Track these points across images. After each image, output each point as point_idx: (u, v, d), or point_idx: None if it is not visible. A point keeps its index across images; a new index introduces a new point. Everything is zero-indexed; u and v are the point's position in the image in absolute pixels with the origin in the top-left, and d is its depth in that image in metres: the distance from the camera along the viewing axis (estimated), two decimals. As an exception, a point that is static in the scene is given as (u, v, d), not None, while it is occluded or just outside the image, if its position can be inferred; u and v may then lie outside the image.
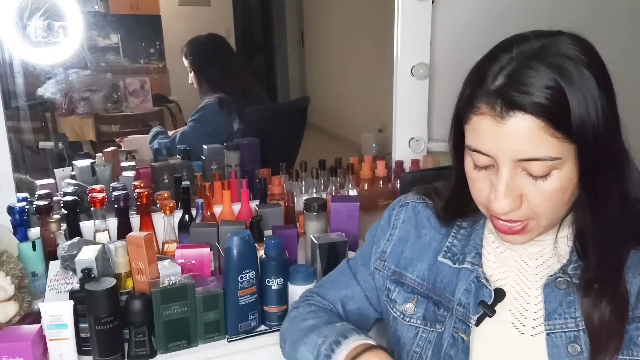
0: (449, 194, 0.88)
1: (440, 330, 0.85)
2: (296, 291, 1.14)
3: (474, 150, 0.72)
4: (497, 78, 0.68)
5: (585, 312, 0.75)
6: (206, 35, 1.95)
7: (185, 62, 1.88)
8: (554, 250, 0.80)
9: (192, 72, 1.88)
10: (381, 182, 1.57)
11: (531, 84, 0.65)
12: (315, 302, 0.99)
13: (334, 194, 1.56)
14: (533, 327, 0.78)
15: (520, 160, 0.68)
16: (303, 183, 1.62)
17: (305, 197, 1.52)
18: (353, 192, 1.58)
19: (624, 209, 0.73)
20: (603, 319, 0.73)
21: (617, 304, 0.73)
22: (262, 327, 1.16)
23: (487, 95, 0.68)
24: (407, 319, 0.88)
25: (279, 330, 1.14)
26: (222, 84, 1.91)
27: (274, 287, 1.13)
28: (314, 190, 1.60)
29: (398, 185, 1.52)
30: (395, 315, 0.90)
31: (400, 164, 1.65)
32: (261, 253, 1.15)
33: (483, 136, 0.70)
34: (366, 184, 1.57)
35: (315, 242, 1.18)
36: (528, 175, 0.70)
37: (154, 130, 1.82)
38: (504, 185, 0.70)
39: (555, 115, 0.65)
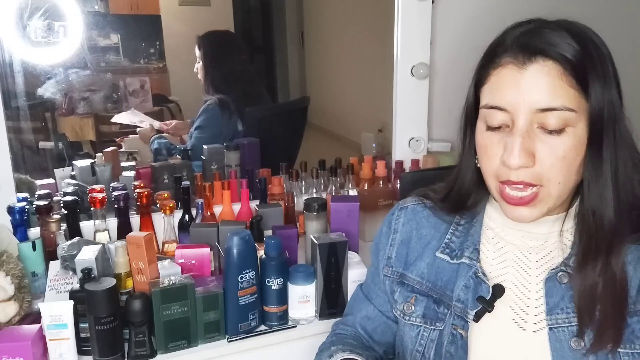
0: (451, 181, 0.89)
1: (441, 328, 0.85)
2: (296, 291, 1.14)
3: (491, 107, 0.74)
4: (519, 36, 0.73)
5: (578, 294, 0.75)
6: (223, 31, 1.97)
7: (197, 53, 1.88)
8: (556, 243, 0.80)
9: (201, 63, 1.88)
10: (381, 182, 1.57)
11: (552, 38, 0.71)
12: (339, 330, 1.02)
13: (334, 194, 1.56)
14: (535, 323, 0.78)
15: (538, 110, 0.70)
16: (303, 183, 1.62)
17: (305, 197, 1.52)
18: (353, 192, 1.58)
19: (624, 187, 0.74)
20: (596, 298, 0.73)
21: (612, 288, 0.73)
22: (262, 327, 1.16)
23: (508, 48, 0.73)
24: (407, 318, 0.88)
25: (279, 330, 1.15)
26: (228, 82, 1.91)
27: (274, 287, 1.13)
28: (314, 190, 1.60)
29: (398, 185, 1.52)
30: (397, 314, 0.90)
31: (400, 164, 1.65)
32: (261, 253, 1.15)
33: (503, 87, 0.73)
34: (366, 184, 1.57)
35: (315, 242, 1.18)
36: (543, 132, 0.72)
37: (153, 137, 1.83)
38: (520, 137, 0.71)
39: (573, 66, 0.70)
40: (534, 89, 0.70)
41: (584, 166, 0.74)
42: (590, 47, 0.72)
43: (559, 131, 0.71)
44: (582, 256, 0.75)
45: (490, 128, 0.76)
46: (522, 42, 0.72)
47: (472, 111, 0.82)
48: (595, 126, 0.72)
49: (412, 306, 0.88)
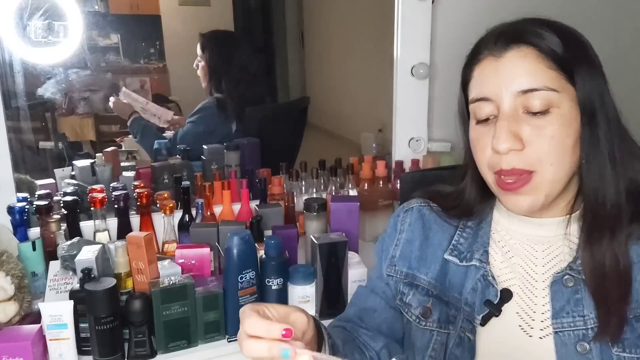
0: (458, 187, 0.89)
1: (452, 332, 0.84)
2: (296, 291, 1.14)
3: (477, 100, 0.76)
4: (495, 31, 0.77)
5: (589, 276, 0.74)
6: (226, 31, 1.98)
7: (199, 52, 1.88)
8: (561, 247, 0.80)
9: (203, 63, 1.87)
10: (381, 182, 1.57)
11: (527, 26, 0.74)
12: (335, 324, 0.96)
13: (334, 194, 1.56)
14: (541, 329, 0.77)
15: (520, 92, 0.72)
16: (303, 183, 1.62)
17: (305, 197, 1.52)
18: (353, 192, 1.58)
19: (622, 169, 0.75)
20: (603, 281, 0.73)
21: (616, 272, 0.73)
22: (262, 327, 1.16)
23: (487, 43, 0.76)
24: (423, 323, 0.86)
25: (279, 330, 1.14)
26: (231, 83, 1.90)
27: (274, 287, 1.13)
28: (314, 190, 1.60)
29: (398, 185, 1.52)
30: (411, 319, 0.88)
31: (400, 164, 1.65)
32: (261, 253, 1.15)
33: (484, 77, 0.75)
34: (366, 184, 1.57)
35: (315, 242, 1.18)
36: (528, 115, 0.72)
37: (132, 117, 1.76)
38: (505, 120, 0.73)
39: (551, 50, 0.72)
40: (512, 73, 0.72)
41: (580, 148, 0.74)
42: (568, 35, 0.74)
43: (544, 112, 0.72)
44: (587, 236, 0.75)
45: (479, 122, 0.77)
46: (497, 34, 0.76)
47: (464, 114, 0.83)
48: (586, 109, 0.73)
49: (430, 311, 0.86)
